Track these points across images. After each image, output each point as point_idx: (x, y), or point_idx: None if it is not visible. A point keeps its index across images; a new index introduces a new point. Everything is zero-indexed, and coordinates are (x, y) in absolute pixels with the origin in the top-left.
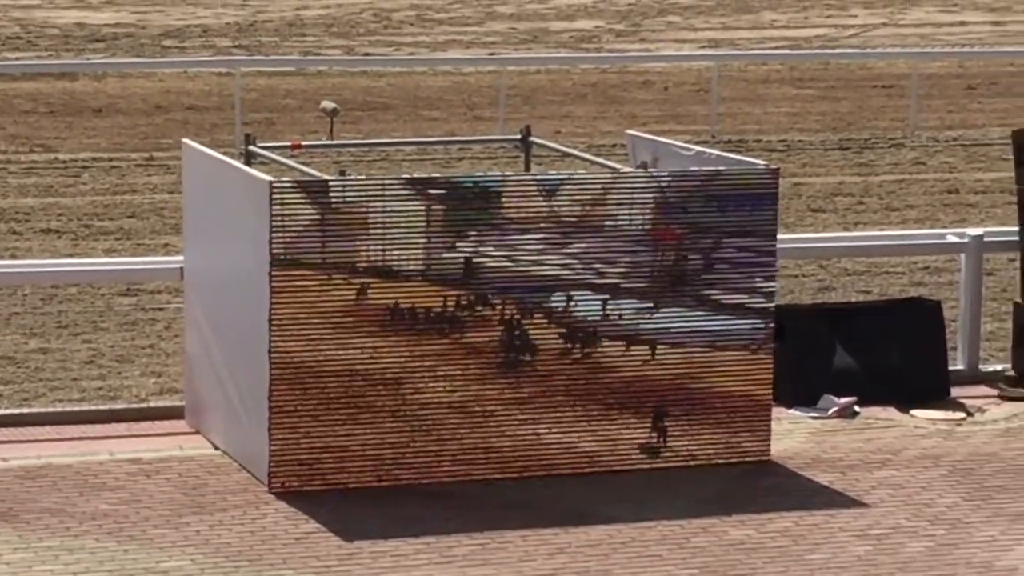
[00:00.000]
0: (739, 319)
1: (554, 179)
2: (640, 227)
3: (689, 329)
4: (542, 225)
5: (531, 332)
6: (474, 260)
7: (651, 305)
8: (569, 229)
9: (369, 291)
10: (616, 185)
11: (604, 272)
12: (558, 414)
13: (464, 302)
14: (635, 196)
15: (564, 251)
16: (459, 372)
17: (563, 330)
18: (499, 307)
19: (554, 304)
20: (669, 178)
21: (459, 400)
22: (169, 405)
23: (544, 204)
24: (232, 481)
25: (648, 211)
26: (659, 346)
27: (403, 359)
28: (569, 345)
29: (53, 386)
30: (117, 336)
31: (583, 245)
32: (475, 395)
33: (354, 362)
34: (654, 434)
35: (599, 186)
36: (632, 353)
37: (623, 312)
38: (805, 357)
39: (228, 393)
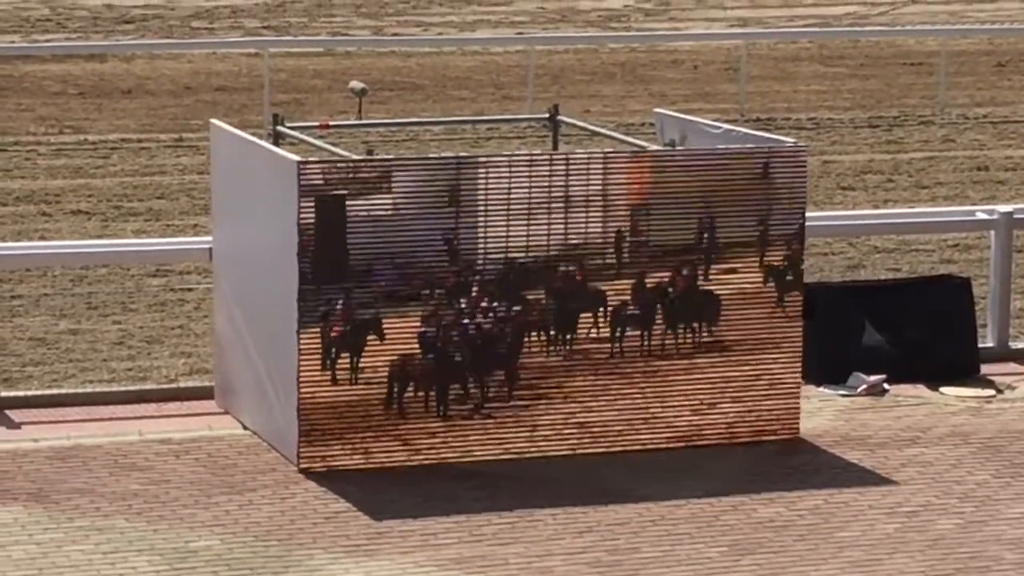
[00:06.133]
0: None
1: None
2: None
3: None
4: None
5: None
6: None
7: None
8: None
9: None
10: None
11: None
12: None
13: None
14: None
15: None
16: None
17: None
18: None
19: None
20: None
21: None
22: (198, 385)
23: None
24: (261, 461)
25: None
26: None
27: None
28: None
29: (83, 367)
30: (147, 317)
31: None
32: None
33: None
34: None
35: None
36: None
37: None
38: (834, 335)
39: (257, 373)
